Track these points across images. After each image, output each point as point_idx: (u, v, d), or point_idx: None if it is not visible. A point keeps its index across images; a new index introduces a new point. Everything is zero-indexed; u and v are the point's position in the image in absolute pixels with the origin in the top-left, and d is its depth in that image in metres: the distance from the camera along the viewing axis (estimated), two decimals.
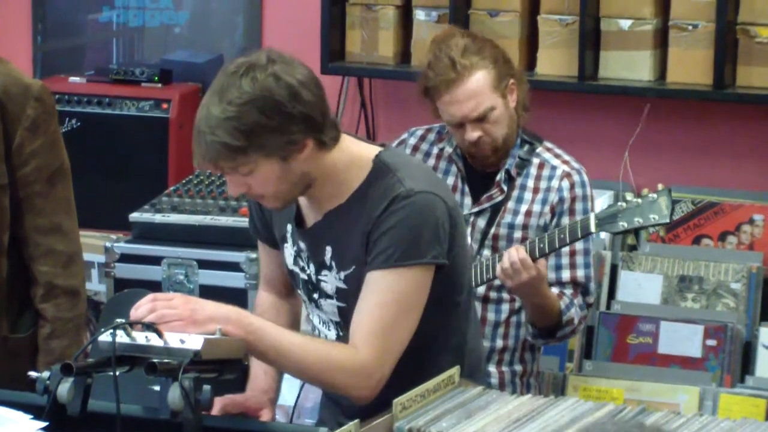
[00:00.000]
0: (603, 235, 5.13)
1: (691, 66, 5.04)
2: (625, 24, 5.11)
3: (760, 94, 5.00)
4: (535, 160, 4.32)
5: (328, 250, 3.39)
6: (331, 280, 3.41)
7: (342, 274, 3.38)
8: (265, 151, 3.23)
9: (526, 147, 4.32)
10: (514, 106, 4.26)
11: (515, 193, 4.30)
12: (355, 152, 3.39)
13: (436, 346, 3.40)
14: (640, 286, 5.03)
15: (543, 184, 4.29)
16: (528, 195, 4.29)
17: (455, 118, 4.20)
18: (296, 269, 3.48)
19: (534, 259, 4.08)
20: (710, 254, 5.05)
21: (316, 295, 3.45)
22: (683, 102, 5.17)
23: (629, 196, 4.16)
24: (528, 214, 4.28)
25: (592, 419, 3.06)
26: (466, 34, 4.40)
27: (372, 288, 3.29)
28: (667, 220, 4.09)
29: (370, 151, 3.40)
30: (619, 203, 4.11)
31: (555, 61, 5.19)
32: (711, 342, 4.86)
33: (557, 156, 4.34)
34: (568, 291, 4.25)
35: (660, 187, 4.16)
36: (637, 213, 4.07)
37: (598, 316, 4.98)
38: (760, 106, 5.09)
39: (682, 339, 4.89)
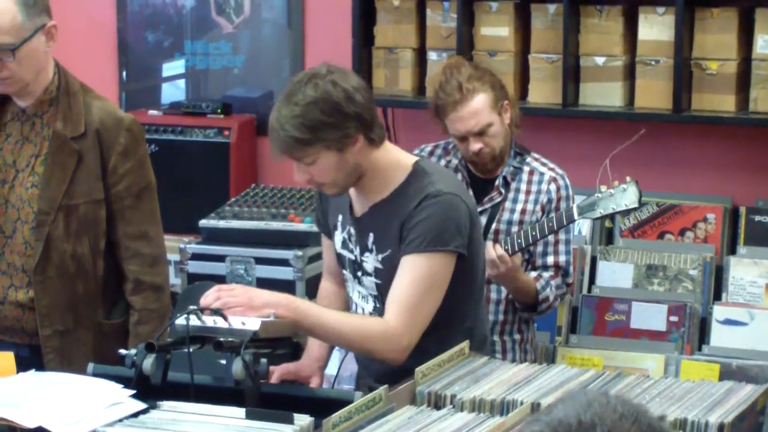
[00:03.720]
0: (584, 232, 5.12)
1: (654, 94, 5.03)
2: (600, 60, 5.10)
3: (711, 116, 4.99)
4: (526, 168, 4.33)
5: (371, 236, 3.40)
6: (371, 261, 3.41)
7: (380, 257, 3.39)
8: (325, 144, 3.25)
9: (518, 158, 4.34)
10: (508, 124, 4.29)
11: (511, 195, 4.31)
12: (399, 157, 3.43)
13: (453, 326, 3.40)
14: (615, 274, 5.03)
15: (534, 188, 4.30)
16: (522, 196, 4.30)
17: (460, 132, 4.22)
18: (344, 252, 3.49)
19: (513, 253, 4.12)
20: (672, 247, 5.04)
21: (359, 273, 3.46)
22: (648, 123, 5.15)
23: (603, 188, 4.16)
24: (523, 212, 4.28)
25: (577, 383, 3.05)
26: (471, 64, 4.45)
27: (403, 270, 3.30)
28: (637, 205, 4.12)
29: (411, 158, 3.44)
30: (596, 194, 4.13)
31: (543, 91, 5.18)
32: (673, 318, 4.85)
33: (543, 164, 4.36)
34: (548, 273, 4.27)
35: (628, 179, 4.15)
36: (612, 201, 4.12)
37: (581, 298, 4.98)
38: (712, 126, 5.08)
39: (649, 316, 4.88)
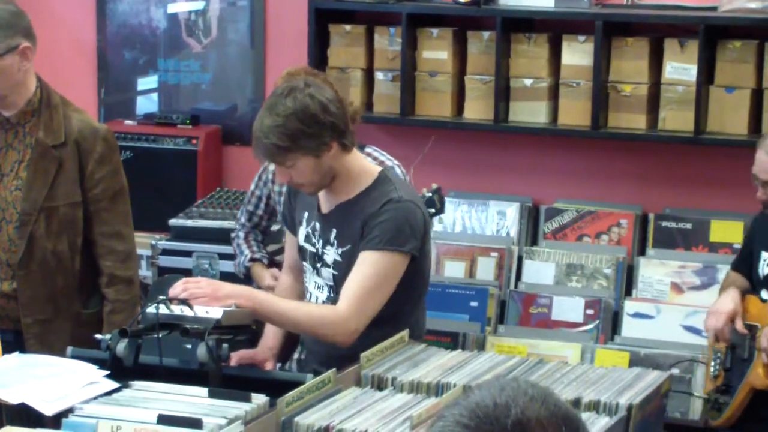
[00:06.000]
0: (512, 234, 5.13)
1: (575, 112, 5.05)
2: (528, 82, 5.12)
3: (625, 133, 5.01)
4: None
5: (334, 231, 3.40)
6: (332, 254, 3.41)
7: (340, 250, 3.39)
8: (303, 150, 3.25)
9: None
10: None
11: None
12: (366, 165, 3.45)
13: (400, 318, 3.39)
14: (539, 271, 5.04)
15: None
16: None
17: None
18: (307, 245, 3.49)
19: None
20: (589, 248, 5.06)
21: (319, 265, 3.46)
22: (570, 139, 5.18)
23: None
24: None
25: (504, 368, 3.06)
26: (313, 74, 4.11)
27: (360, 263, 3.30)
28: (434, 210, 4.08)
29: (376, 167, 3.46)
30: None
31: (477, 109, 5.19)
32: (589, 311, 4.88)
33: (382, 154, 4.24)
34: None
35: (434, 186, 4.14)
36: None
37: (509, 293, 4.99)
38: (625, 142, 5.10)
39: (568, 309, 4.90)
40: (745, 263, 3.98)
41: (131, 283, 3.82)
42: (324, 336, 3.30)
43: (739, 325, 3.84)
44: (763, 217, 3.95)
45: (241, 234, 4.53)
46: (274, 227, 4.61)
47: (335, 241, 3.40)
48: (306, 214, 3.49)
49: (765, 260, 3.86)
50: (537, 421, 1.45)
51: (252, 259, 4.43)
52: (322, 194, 3.44)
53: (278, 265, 4.43)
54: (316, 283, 3.49)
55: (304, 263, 3.54)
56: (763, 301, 3.82)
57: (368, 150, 4.25)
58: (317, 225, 3.44)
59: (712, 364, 4.04)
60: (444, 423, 1.46)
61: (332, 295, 3.42)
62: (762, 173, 3.82)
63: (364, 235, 3.31)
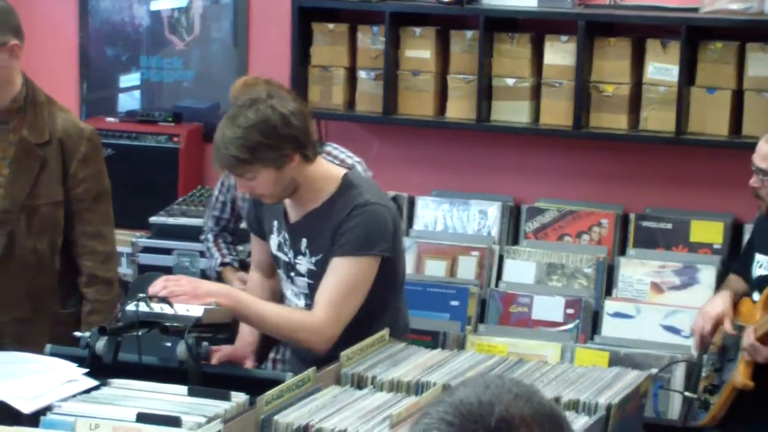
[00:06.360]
0: (493, 233, 5.13)
1: (557, 112, 5.06)
2: (510, 82, 5.12)
3: (606, 133, 5.02)
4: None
5: (304, 241, 3.39)
6: (304, 263, 3.40)
7: (313, 259, 3.38)
8: (264, 162, 3.23)
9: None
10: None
11: None
12: (329, 170, 3.42)
13: (377, 319, 3.40)
14: (520, 271, 5.03)
15: None
16: None
17: None
18: (280, 254, 3.48)
19: None
20: (569, 248, 5.06)
21: (292, 274, 3.45)
22: (552, 138, 5.19)
23: None
24: None
25: (484, 367, 3.06)
26: (270, 84, 4.10)
27: (333, 270, 3.29)
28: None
29: (340, 170, 3.43)
30: None
31: (460, 108, 5.19)
32: (570, 311, 4.88)
33: (342, 152, 4.24)
34: None
35: (391, 194, 4.13)
36: None
37: (489, 292, 4.99)
38: (607, 141, 5.11)
39: (549, 308, 4.90)
40: (743, 265, 4.01)
41: (111, 285, 3.81)
42: (301, 341, 3.30)
43: (727, 325, 3.85)
44: (762, 219, 3.96)
45: (210, 237, 4.54)
46: (243, 225, 4.60)
47: (306, 251, 3.40)
48: (276, 223, 3.49)
49: (758, 262, 3.88)
50: (521, 419, 1.45)
51: (222, 264, 4.46)
52: (288, 203, 3.43)
53: (247, 268, 4.44)
54: (292, 290, 3.50)
55: (279, 271, 3.54)
56: (754, 302, 3.84)
57: (328, 148, 4.25)
58: (287, 235, 3.44)
59: (705, 365, 4.06)
60: (428, 420, 1.46)
61: (309, 302, 3.43)
62: (757, 159, 3.85)
63: (335, 242, 3.31)
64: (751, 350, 3.71)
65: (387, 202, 3.42)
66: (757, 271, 3.88)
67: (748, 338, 3.72)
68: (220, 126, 3.27)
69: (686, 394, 4.02)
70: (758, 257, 3.88)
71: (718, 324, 3.89)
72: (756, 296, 3.84)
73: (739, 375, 3.75)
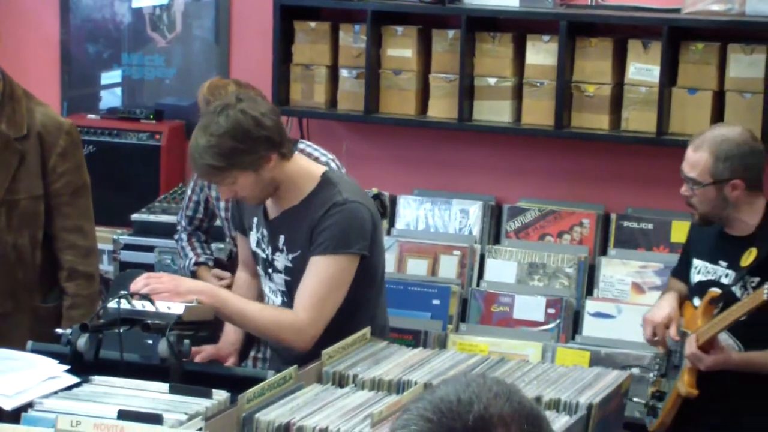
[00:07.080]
0: (475, 232, 5.14)
1: (539, 112, 5.07)
2: (492, 81, 5.13)
3: (588, 133, 5.03)
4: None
5: (282, 237, 3.40)
6: (282, 260, 3.40)
7: (290, 256, 3.38)
8: (240, 167, 3.23)
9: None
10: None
11: None
12: (308, 168, 3.42)
13: (357, 316, 3.40)
14: (501, 270, 5.04)
15: None
16: None
17: None
18: (258, 250, 3.48)
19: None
20: (551, 247, 5.07)
21: (270, 270, 3.45)
22: (533, 138, 5.20)
23: None
24: None
25: (465, 366, 3.06)
26: (237, 85, 4.16)
27: (312, 269, 3.29)
28: (386, 217, 4.09)
29: (319, 169, 3.43)
30: None
31: (442, 107, 5.19)
32: (551, 310, 4.89)
33: (315, 149, 4.24)
34: None
35: (374, 190, 4.13)
36: None
37: (471, 291, 4.99)
38: (588, 142, 5.13)
39: (530, 308, 4.91)
40: (683, 270, 3.99)
41: (92, 279, 3.80)
42: (283, 340, 3.31)
43: (672, 331, 3.82)
44: (696, 225, 3.95)
45: (184, 236, 4.54)
46: (217, 223, 4.59)
47: (284, 248, 3.40)
48: (255, 220, 3.49)
49: (696, 267, 3.87)
50: (499, 418, 1.45)
51: (197, 263, 4.45)
52: (268, 200, 3.43)
53: (222, 266, 4.44)
54: (270, 287, 3.50)
55: (258, 267, 3.54)
56: (695, 307, 3.83)
57: (301, 146, 4.24)
58: (265, 232, 3.44)
59: (651, 369, 4.06)
60: (408, 416, 1.47)
61: (286, 300, 3.43)
62: (686, 168, 3.84)
63: (313, 241, 3.31)
64: (694, 359, 3.69)
65: (365, 200, 3.42)
66: (696, 277, 3.87)
67: (691, 347, 3.70)
68: (193, 135, 3.27)
69: (634, 399, 4.00)
70: (696, 262, 3.87)
71: (666, 327, 3.85)
72: (696, 302, 3.82)
73: (683, 384, 3.74)
